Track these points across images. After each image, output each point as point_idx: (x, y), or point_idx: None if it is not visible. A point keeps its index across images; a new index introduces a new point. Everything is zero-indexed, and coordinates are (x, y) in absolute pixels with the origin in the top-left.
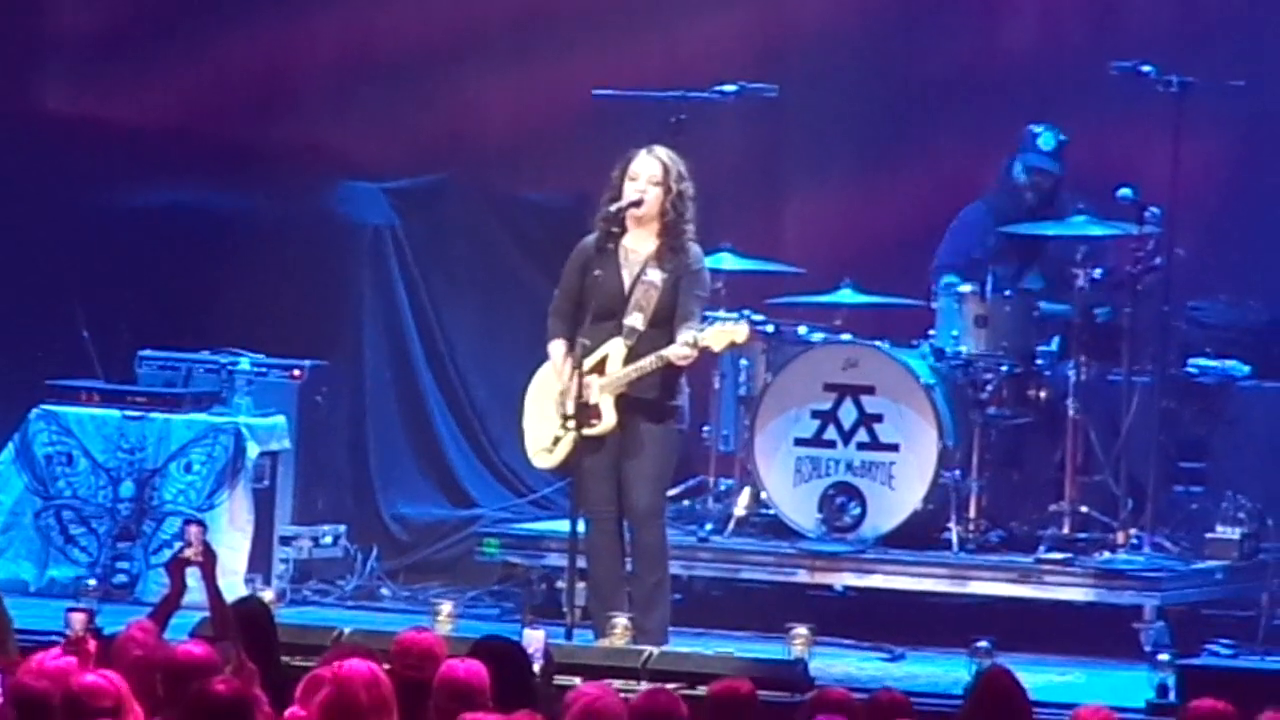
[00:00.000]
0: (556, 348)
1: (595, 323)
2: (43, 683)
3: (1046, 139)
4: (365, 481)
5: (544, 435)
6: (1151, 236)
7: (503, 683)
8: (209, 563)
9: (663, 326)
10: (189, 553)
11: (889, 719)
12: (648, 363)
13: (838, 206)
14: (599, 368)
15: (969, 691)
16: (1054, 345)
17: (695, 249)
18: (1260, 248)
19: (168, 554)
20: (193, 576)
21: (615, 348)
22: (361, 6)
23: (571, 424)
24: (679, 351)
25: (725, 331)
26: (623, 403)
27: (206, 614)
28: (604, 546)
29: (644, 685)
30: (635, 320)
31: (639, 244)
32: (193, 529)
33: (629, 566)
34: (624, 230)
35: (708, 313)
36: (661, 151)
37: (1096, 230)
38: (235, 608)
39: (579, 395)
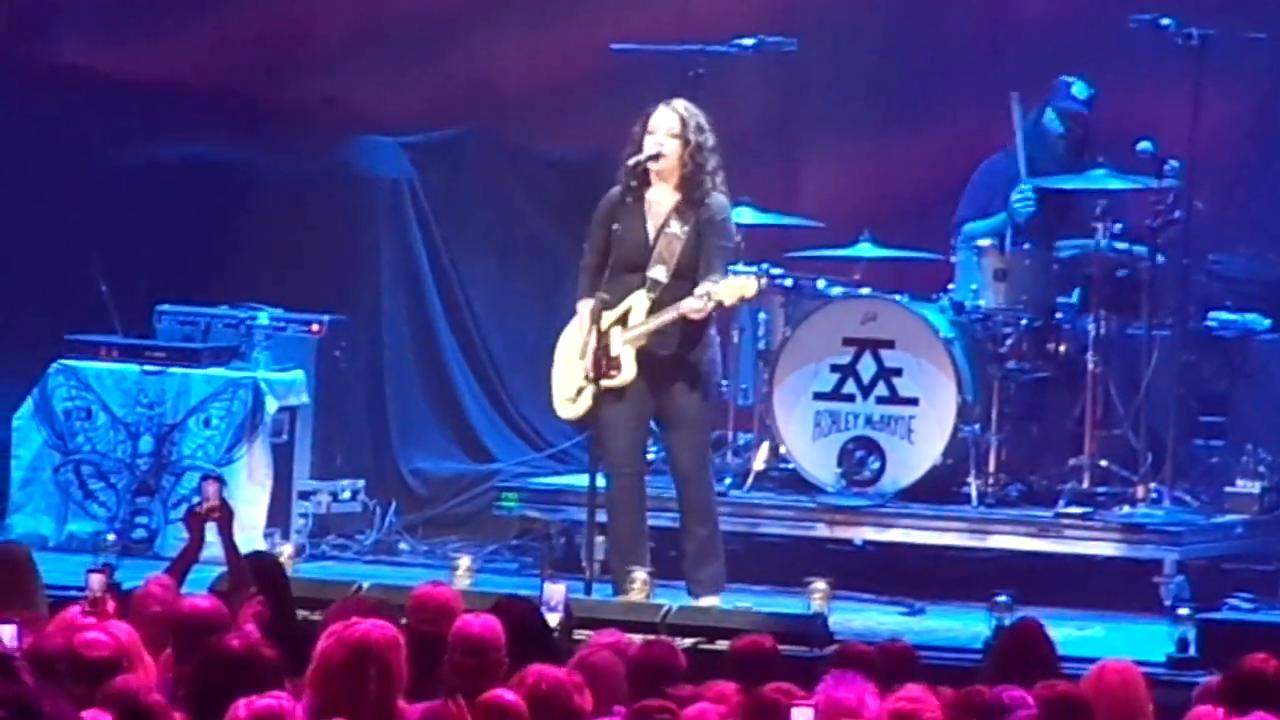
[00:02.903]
0: (584, 303)
1: (620, 276)
2: (53, 640)
3: (1080, 87)
4: (384, 436)
5: (568, 386)
6: (1171, 190)
7: (519, 639)
8: (226, 518)
9: (686, 278)
10: (206, 508)
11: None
12: (665, 316)
13: (857, 160)
14: (622, 320)
15: (990, 645)
16: (1074, 298)
17: (718, 199)
18: None
19: (186, 508)
20: (210, 531)
21: (638, 300)
22: None
23: (592, 376)
24: (693, 305)
25: (735, 285)
26: (654, 361)
27: (224, 569)
28: (624, 500)
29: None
30: (658, 272)
31: (662, 197)
32: (210, 484)
33: (673, 521)
34: (647, 184)
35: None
36: (679, 104)
37: (1116, 184)
38: (248, 561)
39: (598, 347)
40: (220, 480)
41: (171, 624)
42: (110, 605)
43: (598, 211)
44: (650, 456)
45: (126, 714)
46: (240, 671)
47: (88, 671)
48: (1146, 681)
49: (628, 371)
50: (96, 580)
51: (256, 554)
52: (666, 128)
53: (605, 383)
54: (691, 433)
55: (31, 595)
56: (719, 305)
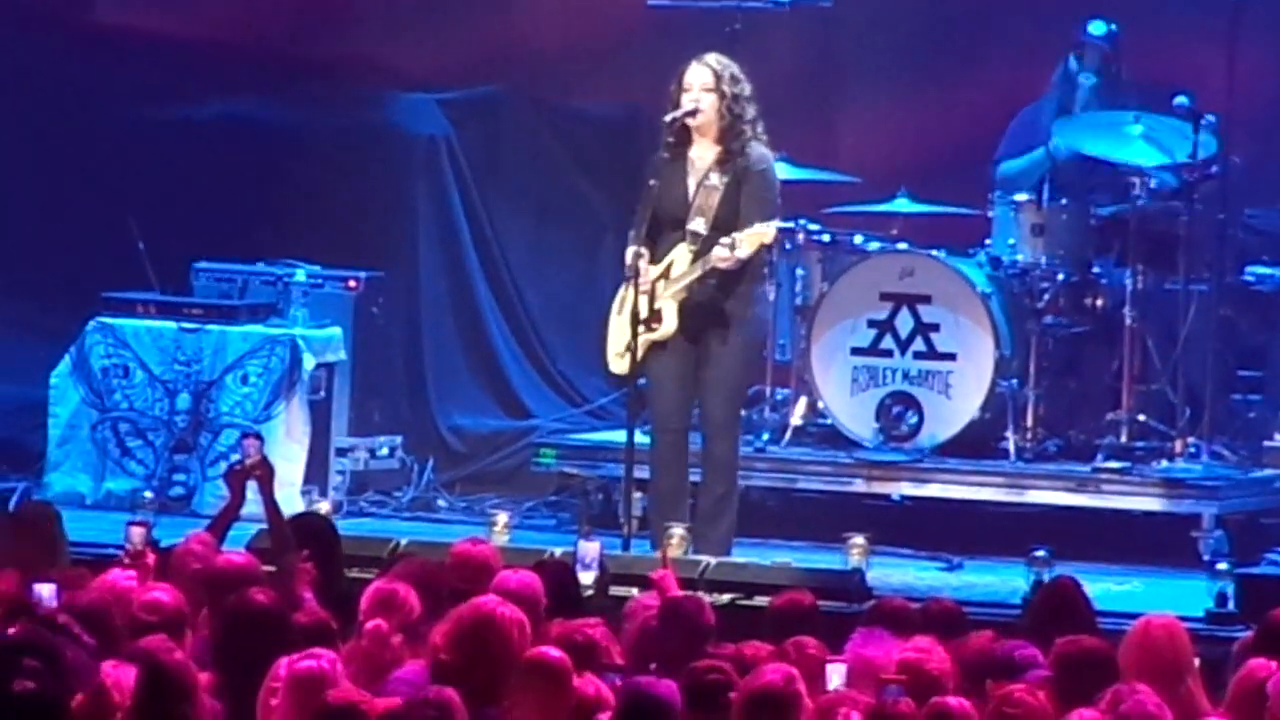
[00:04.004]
0: (630, 256)
1: (665, 232)
2: (99, 598)
3: (1096, 25)
4: (421, 393)
5: (618, 341)
6: (1207, 152)
7: (558, 596)
8: (267, 475)
9: (726, 230)
10: (248, 464)
11: (942, 629)
12: (697, 268)
13: (893, 116)
14: (665, 274)
15: (1029, 600)
16: (1111, 253)
17: (758, 149)
18: None
19: (224, 466)
20: (251, 489)
21: (680, 253)
22: None
23: (633, 329)
24: (719, 254)
25: (754, 234)
26: (693, 312)
27: (263, 526)
28: (667, 457)
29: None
30: (698, 225)
31: (703, 152)
32: (250, 442)
33: (697, 476)
34: (688, 141)
35: None
36: (711, 58)
37: (1150, 158)
38: (297, 522)
39: (636, 301)
40: (260, 438)
41: (207, 580)
42: (150, 559)
43: (646, 172)
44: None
45: (150, 671)
46: (266, 628)
47: (142, 631)
48: (1190, 636)
49: (669, 324)
50: (137, 533)
51: (306, 514)
52: (701, 83)
53: (648, 335)
54: (725, 386)
55: (56, 555)
56: (749, 253)
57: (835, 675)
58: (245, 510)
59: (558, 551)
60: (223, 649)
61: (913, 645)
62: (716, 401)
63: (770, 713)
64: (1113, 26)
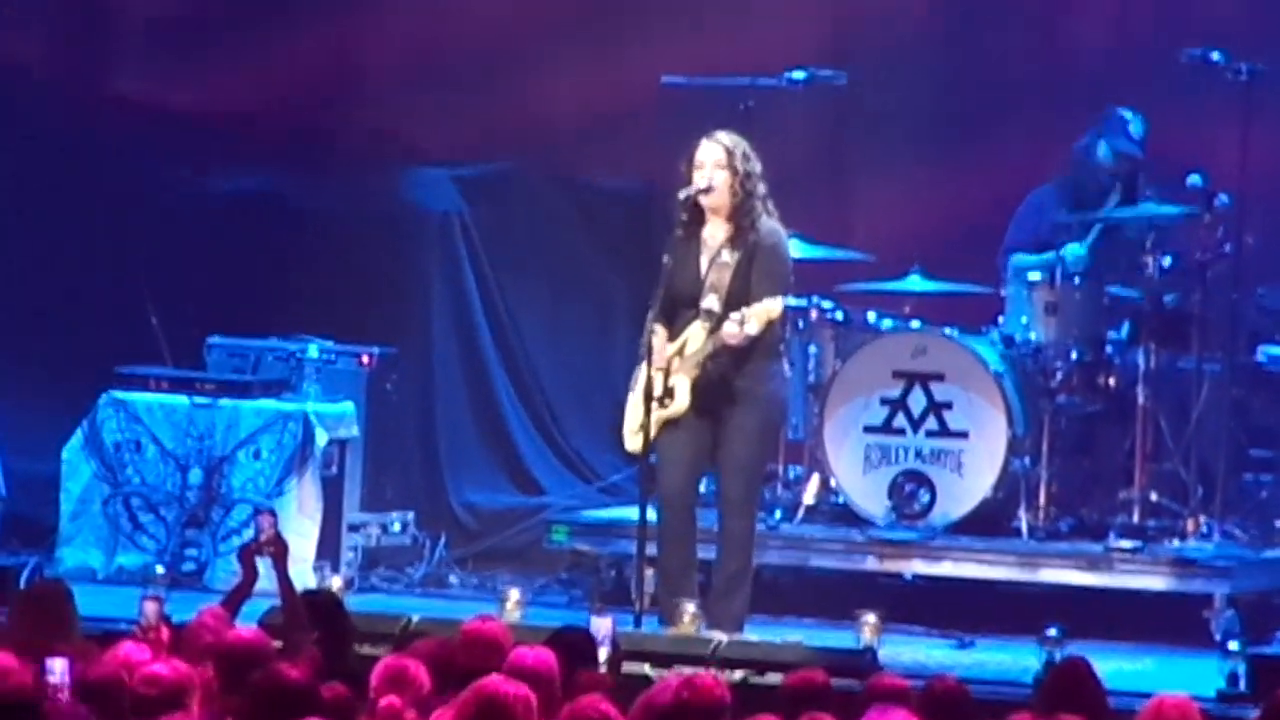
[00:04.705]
0: (646, 334)
1: (679, 311)
2: (111, 672)
3: (1136, 125)
4: (434, 468)
5: (634, 419)
6: (1221, 223)
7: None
8: (281, 552)
9: (739, 306)
10: (264, 539)
11: (945, 708)
12: (709, 345)
13: (907, 193)
14: (680, 352)
15: (1041, 679)
16: (1123, 332)
17: (769, 224)
18: None
19: (236, 541)
20: (264, 564)
21: (694, 331)
22: None
23: (646, 406)
24: (728, 330)
25: (762, 310)
26: (706, 389)
27: (276, 601)
28: (676, 533)
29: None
30: (711, 302)
31: (715, 229)
32: (265, 518)
33: (710, 553)
34: (701, 220)
35: None
36: (723, 135)
37: (1164, 210)
38: (307, 599)
39: (650, 378)
40: (275, 514)
41: (216, 654)
42: (164, 634)
43: (661, 250)
44: (701, 490)
45: None
46: (292, 704)
47: (146, 707)
48: (1202, 716)
49: (681, 401)
50: (151, 608)
51: (314, 591)
52: (714, 160)
53: (660, 412)
54: (742, 464)
55: (70, 631)
56: (757, 330)
57: None
58: (259, 586)
59: None
60: None
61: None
62: (734, 480)
63: None
64: (1147, 125)
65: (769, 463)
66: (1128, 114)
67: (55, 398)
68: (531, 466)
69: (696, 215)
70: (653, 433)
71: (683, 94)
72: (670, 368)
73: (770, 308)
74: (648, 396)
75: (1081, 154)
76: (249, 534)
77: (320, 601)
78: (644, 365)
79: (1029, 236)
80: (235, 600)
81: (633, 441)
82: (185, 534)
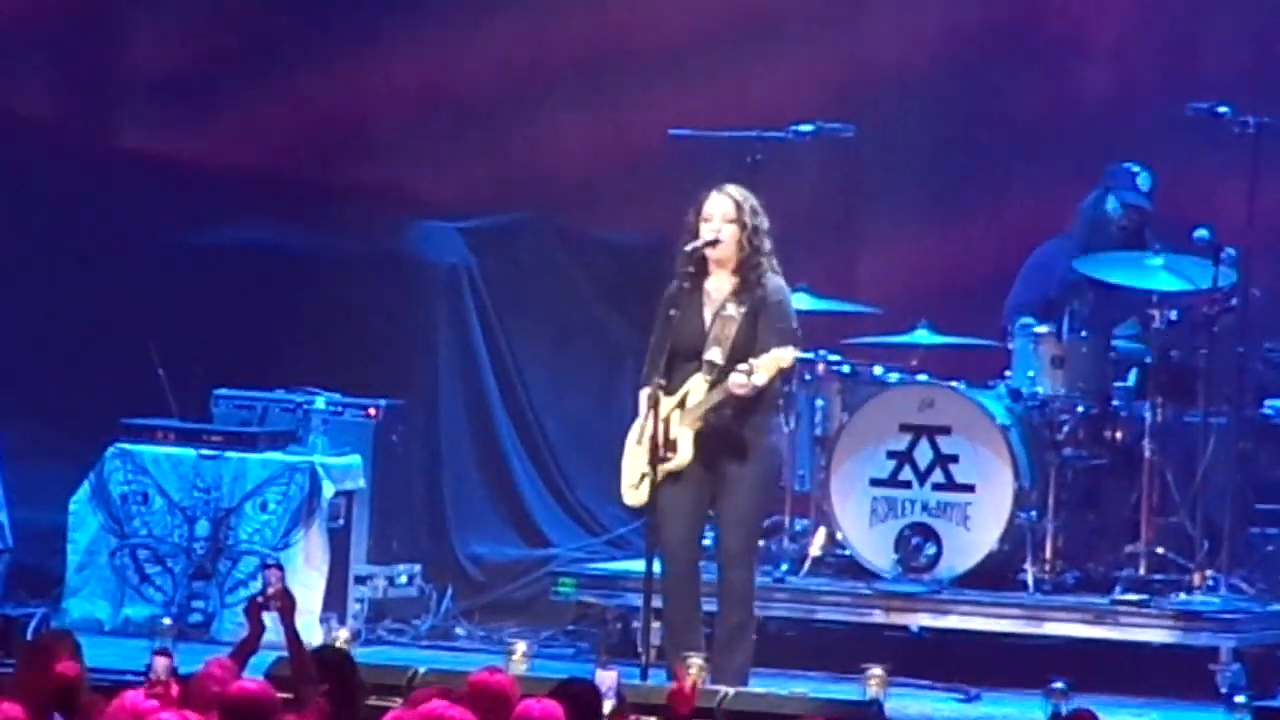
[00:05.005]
0: (645, 390)
1: (681, 363)
2: None
3: (1144, 179)
4: (440, 521)
5: (633, 473)
6: (1227, 283)
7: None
8: (288, 607)
9: (743, 360)
10: (271, 593)
11: None
12: (713, 397)
13: (914, 247)
14: (681, 404)
15: None
16: (1130, 385)
17: (775, 281)
18: None
19: (243, 593)
20: (270, 619)
21: (696, 383)
22: (437, 46)
23: (651, 460)
24: (736, 381)
25: (772, 359)
26: (708, 441)
27: (282, 653)
28: (680, 586)
29: None
30: (714, 355)
31: (719, 283)
32: (272, 572)
33: (714, 606)
34: (705, 272)
35: None
36: (732, 189)
37: (1171, 284)
38: (316, 655)
39: (654, 431)
40: (282, 568)
41: (222, 705)
42: (174, 689)
43: (660, 303)
44: (706, 543)
45: None
46: None
47: None
48: None
49: (684, 454)
50: (161, 663)
51: (325, 647)
52: (722, 213)
53: (662, 466)
54: (741, 516)
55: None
56: (766, 381)
57: None
58: (266, 638)
59: None
60: None
61: None
62: (732, 532)
63: None
64: (1155, 180)
65: (769, 514)
66: (1135, 168)
67: (62, 449)
68: (537, 519)
69: (700, 267)
70: (652, 487)
71: (689, 146)
72: (670, 420)
73: (780, 357)
74: (653, 449)
75: (1090, 210)
76: (256, 586)
77: (330, 658)
78: (643, 418)
79: (1037, 294)
80: (242, 654)
81: (631, 495)
82: (192, 586)
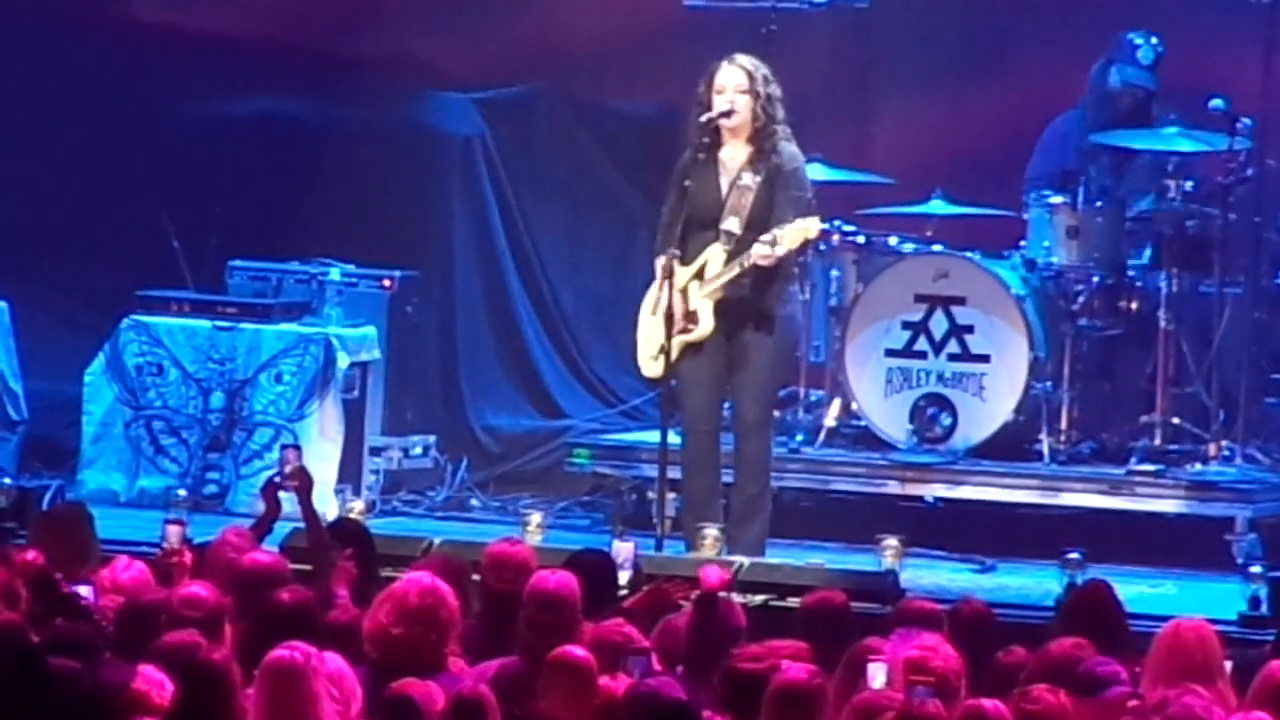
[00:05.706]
0: (660, 261)
1: (696, 233)
2: (135, 596)
3: (1145, 52)
4: (455, 392)
5: (651, 344)
6: (1243, 149)
7: (594, 595)
8: (305, 487)
9: (759, 229)
10: (289, 471)
11: (971, 631)
12: (735, 266)
13: (928, 117)
14: (699, 275)
15: (1062, 602)
16: (1145, 256)
17: (789, 148)
18: None
19: (258, 464)
20: (287, 499)
21: (714, 253)
22: None
23: (672, 330)
24: (760, 250)
25: (798, 229)
26: (727, 312)
27: (297, 524)
28: (700, 458)
29: (735, 597)
30: (731, 224)
31: (734, 153)
32: (290, 453)
33: (730, 477)
34: (719, 143)
35: None
36: (743, 59)
37: (1187, 145)
38: (333, 528)
39: (669, 302)
40: (299, 449)
41: (233, 578)
42: (187, 557)
43: (674, 173)
44: (725, 413)
45: (185, 672)
46: (294, 627)
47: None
48: (1219, 639)
49: (705, 325)
50: (174, 532)
51: (342, 520)
52: (735, 84)
53: (683, 337)
54: (757, 386)
55: (88, 555)
56: (788, 251)
57: (879, 674)
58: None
59: None
60: (251, 649)
61: (920, 643)
62: (749, 401)
63: (795, 709)
64: (1160, 50)
65: (784, 385)
66: (1138, 39)
67: (77, 321)
68: (552, 390)
69: (715, 137)
70: (673, 356)
71: (705, 17)
72: (688, 291)
73: (806, 228)
74: (669, 320)
75: (1095, 80)
76: (271, 458)
77: (348, 531)
78: (659, 287)
79: (1054, 167)
80: (258, 534)
81: (650, 366)
82: (207, 457)
